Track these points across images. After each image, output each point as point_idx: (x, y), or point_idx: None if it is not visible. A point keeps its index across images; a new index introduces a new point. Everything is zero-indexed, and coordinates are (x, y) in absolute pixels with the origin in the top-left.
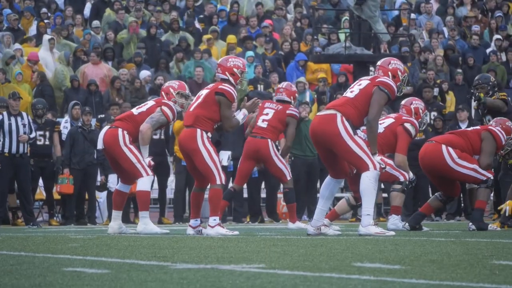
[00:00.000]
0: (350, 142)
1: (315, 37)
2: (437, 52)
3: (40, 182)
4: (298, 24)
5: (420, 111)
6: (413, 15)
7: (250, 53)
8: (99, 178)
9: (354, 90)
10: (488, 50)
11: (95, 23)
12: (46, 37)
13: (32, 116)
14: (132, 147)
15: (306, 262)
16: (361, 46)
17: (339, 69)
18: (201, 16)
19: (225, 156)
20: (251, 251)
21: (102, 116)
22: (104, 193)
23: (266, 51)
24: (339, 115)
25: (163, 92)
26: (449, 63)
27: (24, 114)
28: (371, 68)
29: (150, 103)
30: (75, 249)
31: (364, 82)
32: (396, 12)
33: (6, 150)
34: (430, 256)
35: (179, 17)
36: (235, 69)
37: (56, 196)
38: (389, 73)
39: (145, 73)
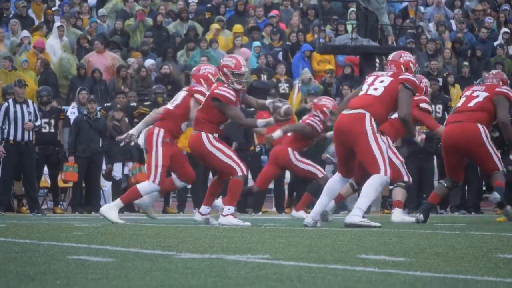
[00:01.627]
0: (373, 143)
1: (322, 28)
2: (445, 44)
3: (45, 170)
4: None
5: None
6: (421, 8)
7: (256, 43)
8: (104, 166)
9: (377, 87)
10: (495, 43)
11: (101, 11)
12: (55, 25)
13: (38, 103)
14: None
15: (311, 253)
16: (367, 38)
17: (343, 61)
18: (208, 5)
19: None
20: (256, 242)
21: (109, 104)
22: (109, 182)
23: (273, 42)
24: (368, 115)
25: (202, 79)
26: (457, 56)
27: (29, 101)
28: (377, 60)
29: (182, 93)
30: (79, 237)
31: (386, 79)
32: (403, 4)
33: (11, 137)
34: (435, 249)
35: (186, 6)
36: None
37: (61, 184)
38: (402, 66)
39: (149, 62)
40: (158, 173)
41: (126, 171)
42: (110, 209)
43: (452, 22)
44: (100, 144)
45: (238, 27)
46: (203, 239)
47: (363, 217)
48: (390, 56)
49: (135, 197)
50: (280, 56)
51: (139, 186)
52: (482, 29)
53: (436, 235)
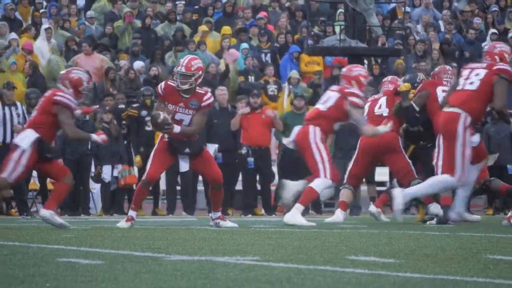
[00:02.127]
0: (459, 145)
1: (311, 29)
2: (433, 45)
3: (34, 172)
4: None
5: (506, 55)
6: (408, 8)
7: (244, 45)
8: (93, 169)
9: (473, 81)
10: (483, 44)
11: (89, 13)
12: (43, 27)
13: (26, 106)
14: (322, 146)
15: (300, 254)
16: (355, 39)
17: (332, 62)
18: (196, 7)
19: (211, 148)
20: (245, 244)
21: (96, 106)
22: (98, 184)
23: (261, 43)
24: (463, 115)
25: (353, 81)
26: (445, 57)
27: (18, 104)
28: (365, 61)
29: (334, 94)
30: (69, 239)
31: (481, 71)
32: (391, 5)
33: (0, 140)
34: (425, 250)
35: (174, 7)
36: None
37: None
38: (496, 57)
39: (139, 64)
40: (327, 168)
41: (115, 173)
42: (294, 216)
43: (441, 23)
44: (89, 147)
45: (226, 29)
46: (193, 241)
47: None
48: (486, 48)
49: (313, 196)
50: (268, 57)
51: (313, 185)
52: (470, 30)
53: (426, 236)
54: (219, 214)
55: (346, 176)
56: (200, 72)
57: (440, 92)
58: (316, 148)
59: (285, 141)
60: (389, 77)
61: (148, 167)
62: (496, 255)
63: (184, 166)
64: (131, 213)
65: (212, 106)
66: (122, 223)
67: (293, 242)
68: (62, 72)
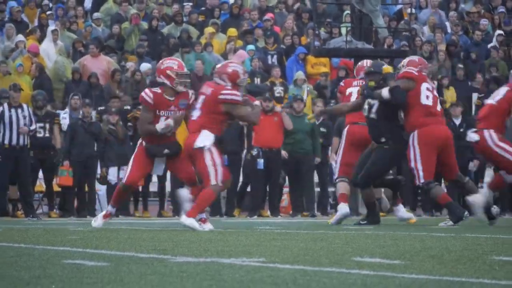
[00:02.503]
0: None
1: (316, 31)
2: (439, 47)
3: (40, 174)
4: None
5: None
6: (414, 10)
7: (250, 46)
8: (99, 170)
9: None
10: (489, 46)
11: (96, 15)
12: (50, 29)
13: (33, 108)
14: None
15: (306, 256)
16: (362, 41)
17: (338, 63)
18: (203, 8)
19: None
20: (251, 245)
21: (102, 108)
22: (104, 186)
23: (268, 45)
24: None
25: None
26: (452, 58)
27: (24, 106)
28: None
29: (502, 89)
30: (74, 241)
31: None
32: (398, 6)
33: (6, 141)
34: (430, 251)
35: (181, 9)
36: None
37: (56, 188)
38: None
39: (145, 66)
40: None
41: (121, 175)
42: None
43: (447, 24)
44: (95, 148)
45: (232, 31)
46: (198, 243)
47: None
48: None
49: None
50: (274, 59)
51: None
52: (476, 31)
53: (431, 238)
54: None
55: (337, 170)
56: None
57: (425, 90)
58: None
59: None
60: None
61: (128, 171)
62: (502, 256)
63: (159, 169)
64: (110, 208)
65: None
66: (98, 221)
67: (298, 244)
68: (218, 66)
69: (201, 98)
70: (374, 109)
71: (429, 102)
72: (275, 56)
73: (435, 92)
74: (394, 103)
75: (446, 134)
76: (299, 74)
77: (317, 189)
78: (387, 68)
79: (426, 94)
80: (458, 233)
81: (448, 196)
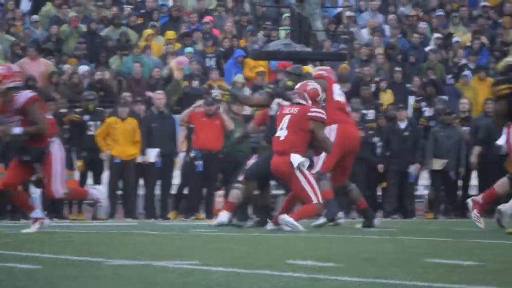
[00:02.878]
0: None
1: (256, 34)
2: (378, 50)
3: None
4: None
5: None
6: (353, 13)
7: (189, 49)
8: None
9: None
10: (427, 49)
11: (34, 17)
12: None
13: None
14: None
15: (240, 259)
16: (301, 44)
17: (276, 66)
18: (142, 11)
19: (152, 153)
20: (185, 248)
21: None
22: (39, 189)
23: (206, 48)
24: None
25: None
26: (390, 61)
27: None
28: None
29: None
30: (7, 244)
31: None
32: (337, 10)
33: None
34: (364, 254)
35: (119, 12)
36: None
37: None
38: None
39: (83, 68)
40: None
41: None
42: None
43: (386, 27)
44: None
45: (170, 34)
46: (133, 246)
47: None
48: None
49: None
50: (213, 62)
51: None
52: (414, 34)
53: (366, 240)
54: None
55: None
56: None
57: (337, 90)
58: None
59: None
60: None
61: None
62: (435, 259)
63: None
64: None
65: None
66: (32, 228)
67: (232, 246)
68: (298, 86)
69: (287, 118)
70: None
71: (341, 100)
72: (213, 59)
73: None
74: None
75: (358, 139)
76: (238, 77)
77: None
78: (306, 68)
79: (338, 93)
80: (393, 236)
81: (331, 193)
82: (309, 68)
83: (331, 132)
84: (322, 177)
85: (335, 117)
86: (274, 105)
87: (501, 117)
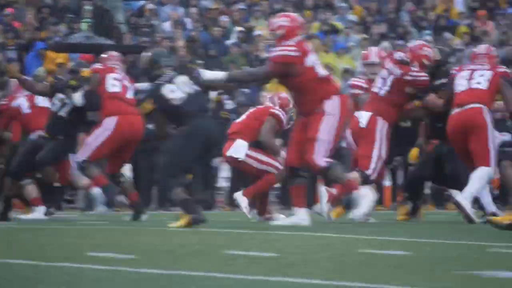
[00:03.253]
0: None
1: (57, 26)
2: (179, 43)
3: None
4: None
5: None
6: (155, 6)
7: None
8: None
9: (480, 81)
10: (228, 42)
11: None
12: None
13: None
14: None
15: (37, 252)
16: (103, 36)
17: (77, 59)
18: None
19: None
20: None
21: None
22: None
23: (7, 40)
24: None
25: None
26: (191, 54)
27: None
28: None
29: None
30: None
31: (486, 73)
32: (140, 3)
33: None
34: (165, 246)
35: None
36: None
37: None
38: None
39: None
40: None
41: None
42: None
43: (188, 20)
44: None
45: None
46: None
47: None
48: (482, 51)
49: None
50: (14, 54)
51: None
52: (215, 28)
53: (167, 232)
54: None
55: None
56: None
57: (112, 80)
58: None
59: None
60: None
61: None
62: (235, 251)
63: None
64: None
65: None
66: None
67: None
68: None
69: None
70: (66, 109)
71: (117, 90)
72: (14, 52)
73: (125, 82)
74: (87, 109)
75: (140, 129)
76: (40, 71)
77: None
78: (86, 71)
79: (112, 83)
80: (195, 228)
81: (104, 179)
82: (88, 72)
83: (107, 125)
84: (87, 164)
85: (112, 108)
86: (56, 101)
87: None
